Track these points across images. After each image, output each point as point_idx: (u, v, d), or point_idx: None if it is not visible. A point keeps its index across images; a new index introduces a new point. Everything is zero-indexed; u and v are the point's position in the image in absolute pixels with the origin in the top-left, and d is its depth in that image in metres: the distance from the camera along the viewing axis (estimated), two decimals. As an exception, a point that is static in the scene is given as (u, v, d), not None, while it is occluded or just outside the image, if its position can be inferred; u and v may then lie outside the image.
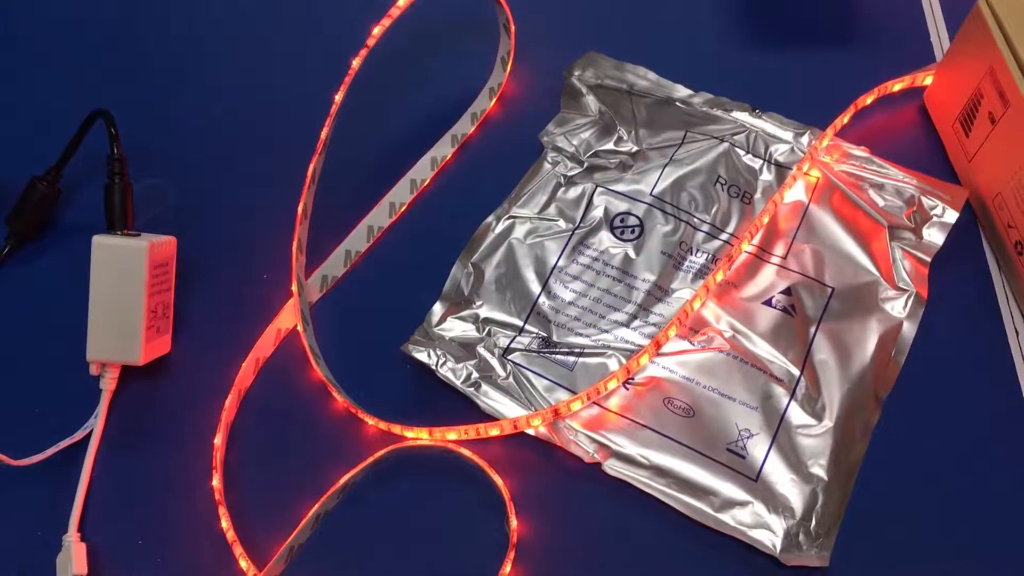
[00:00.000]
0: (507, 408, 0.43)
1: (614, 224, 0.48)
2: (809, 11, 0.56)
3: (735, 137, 0.50)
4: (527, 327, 0.46)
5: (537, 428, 0.43)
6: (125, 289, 0.43)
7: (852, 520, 0.41)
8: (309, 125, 0.49)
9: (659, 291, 0.46)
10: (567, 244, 0.48)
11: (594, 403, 0.43)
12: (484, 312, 0.46)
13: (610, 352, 0.44)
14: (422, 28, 0.55)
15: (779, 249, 0.47)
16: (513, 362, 0.45)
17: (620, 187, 0.49)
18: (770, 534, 0.40)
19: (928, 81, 0.52)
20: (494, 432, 0.42)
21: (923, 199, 0.48)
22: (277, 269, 0.48)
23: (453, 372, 0.44)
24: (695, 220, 0.48)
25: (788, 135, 0.50)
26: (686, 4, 0.57)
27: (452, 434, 0.42)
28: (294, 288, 0.46)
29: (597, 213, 0.48)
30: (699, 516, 0.41)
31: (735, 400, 0.43)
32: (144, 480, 0.43)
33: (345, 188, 0.50)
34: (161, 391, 0.45)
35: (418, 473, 0.43)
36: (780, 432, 0.42)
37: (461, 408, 0.44)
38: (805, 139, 0.50)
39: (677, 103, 0.52)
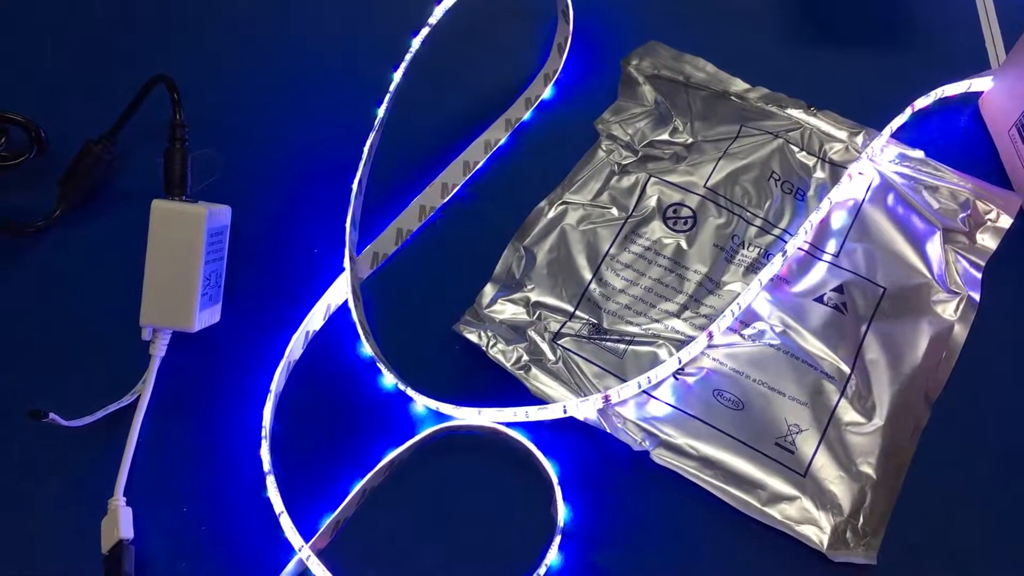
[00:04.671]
0: (556, 392, 0.43)
1: (667, 214, 0.48)
2: (866, 13, 0.56)
3: (790, 134, 0.50)
4: (577, 313, 0.45)
5: (587, 414, 0.43)
6: (182, 255, 0.42)
7: (900, 519, 0.41)
8: (366, 102, 0.49)
9: (710, 283, 0.46)
10: (619, 232, 0.48)
11: (644, 392, 0.43)
12: (535, 296, 0.46)
13: (660, 341, 0.44)
14: (483, 11, 0.55)
15: (832, 247, 0.47)
16: (563, 347, 0.44)
17: (674, 178, 0.49)
18: (817, 530, 0.40)
19: (985, 87, 0.52)
20: (543, 415, 0.42)
21: (978, 203, 0.48)
22: (327, 244, 0.48)
23: (503, 354, 0.44)
24: (748, 214, 0.48)
25: (843, 134, 0.50)
26: (747, -1, 0.57)
27: (501, 415, 0.42)
28: (346, 263, 0.46)
29: (650, 203, 0.48)
30: (746, 508, 0.41)
31: (785, 395, 0.43)
32: (191, 447, 0.43)
33: (398, 167, 0.50)
34: (210, 360, 0.45)
35: (465, 453, 0.43)
36: (830, 429, 0.42)
37: (510, 390, 0.44)
38: (860, 139, 0.50)
39: (732, 97, 0.52)
